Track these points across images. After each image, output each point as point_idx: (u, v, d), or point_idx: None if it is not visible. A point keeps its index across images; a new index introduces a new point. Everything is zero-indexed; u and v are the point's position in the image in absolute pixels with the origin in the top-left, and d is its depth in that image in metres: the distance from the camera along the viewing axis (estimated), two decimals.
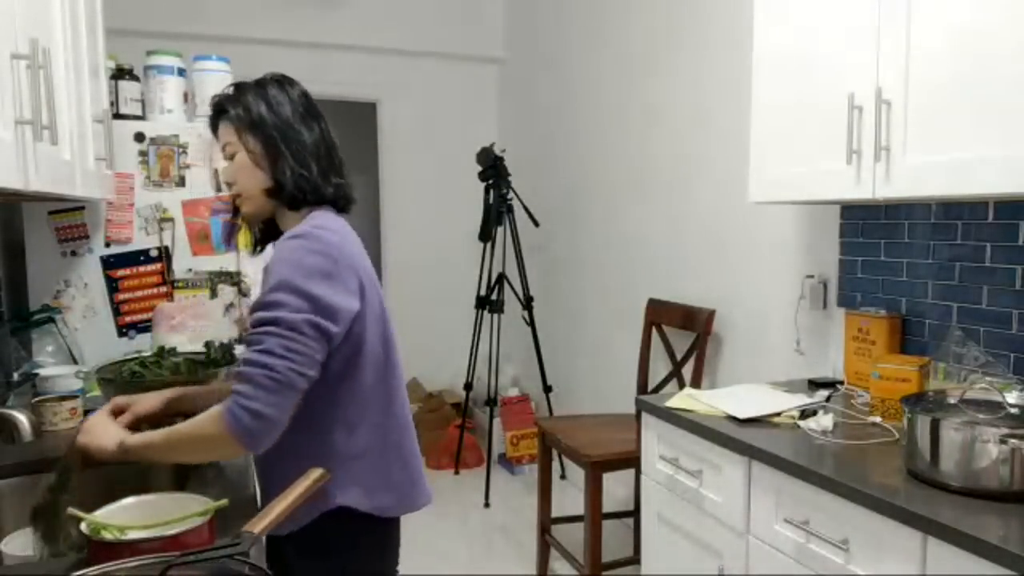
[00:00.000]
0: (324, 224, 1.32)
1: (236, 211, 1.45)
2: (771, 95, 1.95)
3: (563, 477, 3.93)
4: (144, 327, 2.32)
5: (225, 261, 2.42)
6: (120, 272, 2.31)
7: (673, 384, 2.86)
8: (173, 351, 1.85)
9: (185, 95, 2.44)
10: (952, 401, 1.48)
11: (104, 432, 1.26)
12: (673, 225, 3.02)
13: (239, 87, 1.39)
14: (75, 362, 2.18)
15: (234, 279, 2.42)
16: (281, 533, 1.33)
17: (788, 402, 1.88)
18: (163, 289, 2.36)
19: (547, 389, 3.91)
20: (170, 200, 2.35)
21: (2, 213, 2.24)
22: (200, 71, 2.47)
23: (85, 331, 2.27)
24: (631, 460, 2.47)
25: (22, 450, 1.55)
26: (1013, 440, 1.27)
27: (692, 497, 1.86)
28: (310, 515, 1.31)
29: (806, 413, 1.81)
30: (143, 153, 2.32)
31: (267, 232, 1.49)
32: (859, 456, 1.56)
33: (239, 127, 1.36)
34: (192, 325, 2.23)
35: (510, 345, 4.37)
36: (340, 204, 1.43)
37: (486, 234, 3.87)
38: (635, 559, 2.45)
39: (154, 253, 2.35)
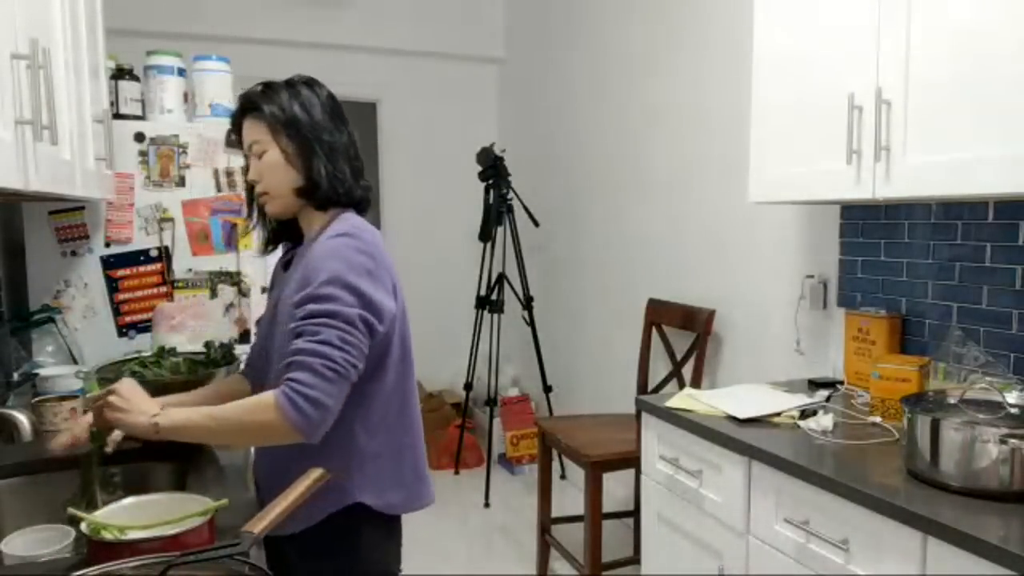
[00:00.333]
0: (360, 225, 1.34)
1: (252, 209, 1.45)
2: (771, 95, 1.95)
3: (563, 477, 3.93)
4: (144, 327, 2.32)
5: (225, 261, 2.42)
6: (120, 272, 2.31)
7: (673, 384, 2.86)
8: (173, 351, 1.85)
9: (185, 95, 2.44)
10: (952, 401, 1.48)
11: (140, 404, 1.21)
12: (673, 225, 3.02)
13: (269, 85, 1.38)
14: (75, 362, 2.18)
15: (234, 279, 2.42)
16: (284, 533, 1.32)
17: (788, 402, 1.88)
18: (163, 289, 2.35)
19: (547, 389, 3.91)
20: (170, 200, 2.35)
21: (2, 213, 2.24)
22: (200, 71, 2.47)
23: (85, 331, 2.27)
24: (631, 460, 2.47)
25: (22, 450, 1.55)
26: (1013, 440, 1.27)
27: (692, 497, 1.86)
28: (323, 512, 1.31)
29: (806, 413, 1.81)
30: (143, 153, 2.32)
31: (279, 232, 1.49)
32: (859, 456, 1.56)
33: (272, 125, 1.34)
34: (192, 325, 2.22)
35: (510, 345, 4.36)
36: (364, 206, 1.44)
37: (486, 234, 3.87)
38: (635, 559, 2.45)
39: (154, 253, 2.35)
